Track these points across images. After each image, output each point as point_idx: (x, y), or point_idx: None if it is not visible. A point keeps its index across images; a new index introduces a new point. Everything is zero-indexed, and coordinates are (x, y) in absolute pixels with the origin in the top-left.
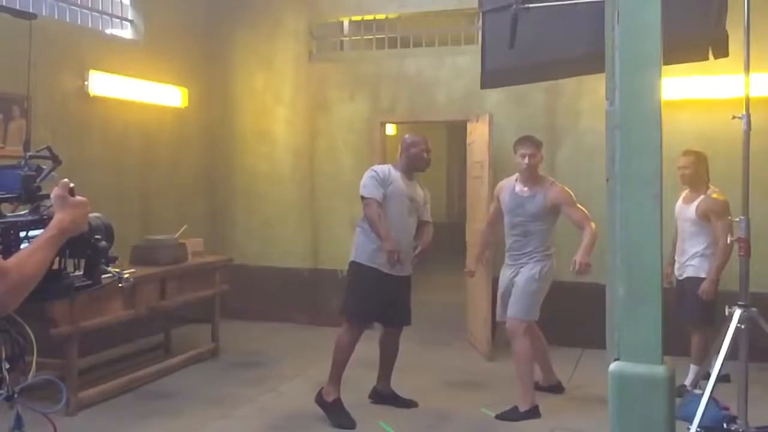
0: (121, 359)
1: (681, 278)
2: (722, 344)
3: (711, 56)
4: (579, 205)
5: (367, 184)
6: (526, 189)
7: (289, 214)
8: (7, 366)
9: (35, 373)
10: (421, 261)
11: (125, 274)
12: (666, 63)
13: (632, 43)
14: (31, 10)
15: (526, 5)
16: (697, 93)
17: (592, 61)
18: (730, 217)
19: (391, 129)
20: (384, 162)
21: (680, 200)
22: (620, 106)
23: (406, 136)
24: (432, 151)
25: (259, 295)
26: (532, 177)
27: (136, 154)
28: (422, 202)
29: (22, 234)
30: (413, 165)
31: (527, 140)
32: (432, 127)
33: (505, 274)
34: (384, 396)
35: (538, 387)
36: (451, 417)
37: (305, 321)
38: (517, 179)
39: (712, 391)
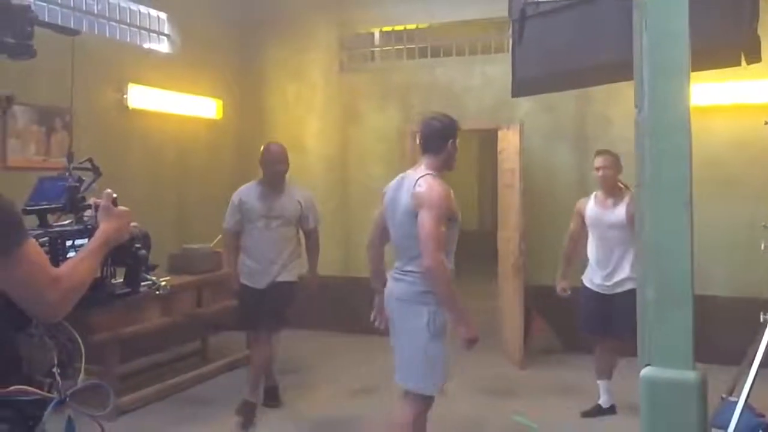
0: (159, 366)
1: (618, 292)
2: (757, 351)
3: (743, 62)
4: None
5: (226, 214)
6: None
7: (322, 223)
8: (58, 371)
9: (84, 378)
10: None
11: (162, 281)
12: (698, 69)
13: (660, 50)
14: (72, 26)
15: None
16: (729, 98)
17: (622, 68)
18: None
19: None
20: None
21: (592, 204)
22: (649, 113)
23: (265, 144)
24: (284, 162)
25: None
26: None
27: (173, 164)
28: (295, 211)
29: (69, 243)
30: (266, 178)
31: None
32: (463, 136)
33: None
34: (264, 390)
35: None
36: (483, 424)
37: (338, 329)
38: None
39: (747, 398)
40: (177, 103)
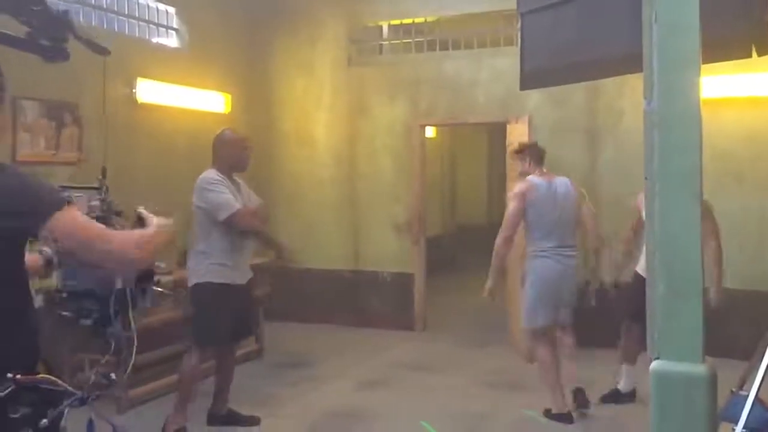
0: (170, 358)
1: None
2: None
3: (754, 54)
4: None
5: (221, 201)
6: None
7: (331, 217)
8: (105, 360)
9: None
10: None
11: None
12: (708, 61)
13: (671, 42)
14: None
15: None
16: (740, 91)
17: (632, 61)
18: None
19: (430, 131)
20: (423, 165)
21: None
22: (659, 105)
23: (221, 132)
24: (252, 148)
25: (302, 297)
26: None
27: (182, 159)
28: (251, 202)
29: None
30: (233, 166)
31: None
32: (473, 129)
33: None
34: (223, 417)
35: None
36: (492, 418)
37: (347, 322)
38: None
39: (757, 392)
40: (186, 98)
